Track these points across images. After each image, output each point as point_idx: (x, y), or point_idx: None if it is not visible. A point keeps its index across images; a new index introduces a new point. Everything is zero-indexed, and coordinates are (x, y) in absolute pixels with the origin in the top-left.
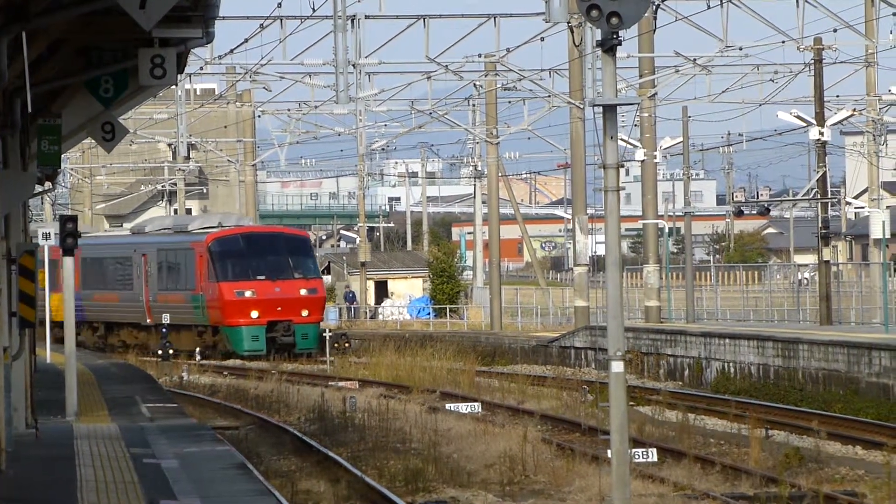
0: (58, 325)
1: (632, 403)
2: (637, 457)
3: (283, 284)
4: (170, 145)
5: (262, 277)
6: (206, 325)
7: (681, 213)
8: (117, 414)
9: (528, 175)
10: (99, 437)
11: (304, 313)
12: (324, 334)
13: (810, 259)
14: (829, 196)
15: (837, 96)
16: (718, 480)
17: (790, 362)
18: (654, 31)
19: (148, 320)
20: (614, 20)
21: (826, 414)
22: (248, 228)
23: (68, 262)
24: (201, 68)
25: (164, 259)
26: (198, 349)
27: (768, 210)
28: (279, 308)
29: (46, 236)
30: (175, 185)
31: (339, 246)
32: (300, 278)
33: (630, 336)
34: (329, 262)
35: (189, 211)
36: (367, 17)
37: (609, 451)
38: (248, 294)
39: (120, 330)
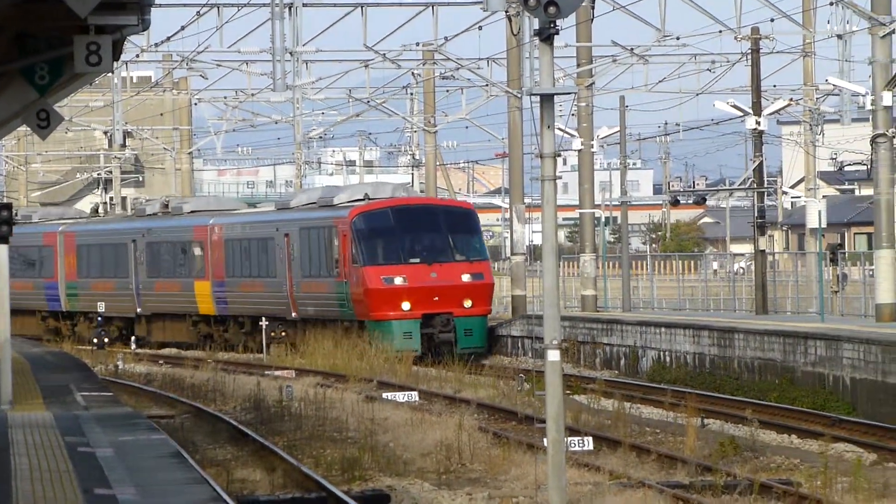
0: (204, 320)
1: (568, 392)
2: (573, 445)
3: (441, 269)
4: (106, 133)
5: (416, 261)
6: (351, 320)
7: (617, 203)
8: (52, 402)
9: (466, 164)
10: (33, 426)
11: (467, 304)
12: (260, 323)
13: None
14: (766, 185)
15: (774, 86)
16: (654, 469)
17: (726, 351)
18: (592, 20)
19: (293, 314)
20: (552, 9)
21: (762, 403)
22: (399, 201)
23: (2, 251)
24: (137, 56)
25: (306, 239)
26: (134, 337)
27: (704, 199)
28: (436, 298)
29: None
30: (111, 172)
31: None
32: (462, 261)
33: (566, 325)
34: None
35: (124, 199)
36: (304, 4)
37: (545, 440)
38: (398, 281)
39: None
